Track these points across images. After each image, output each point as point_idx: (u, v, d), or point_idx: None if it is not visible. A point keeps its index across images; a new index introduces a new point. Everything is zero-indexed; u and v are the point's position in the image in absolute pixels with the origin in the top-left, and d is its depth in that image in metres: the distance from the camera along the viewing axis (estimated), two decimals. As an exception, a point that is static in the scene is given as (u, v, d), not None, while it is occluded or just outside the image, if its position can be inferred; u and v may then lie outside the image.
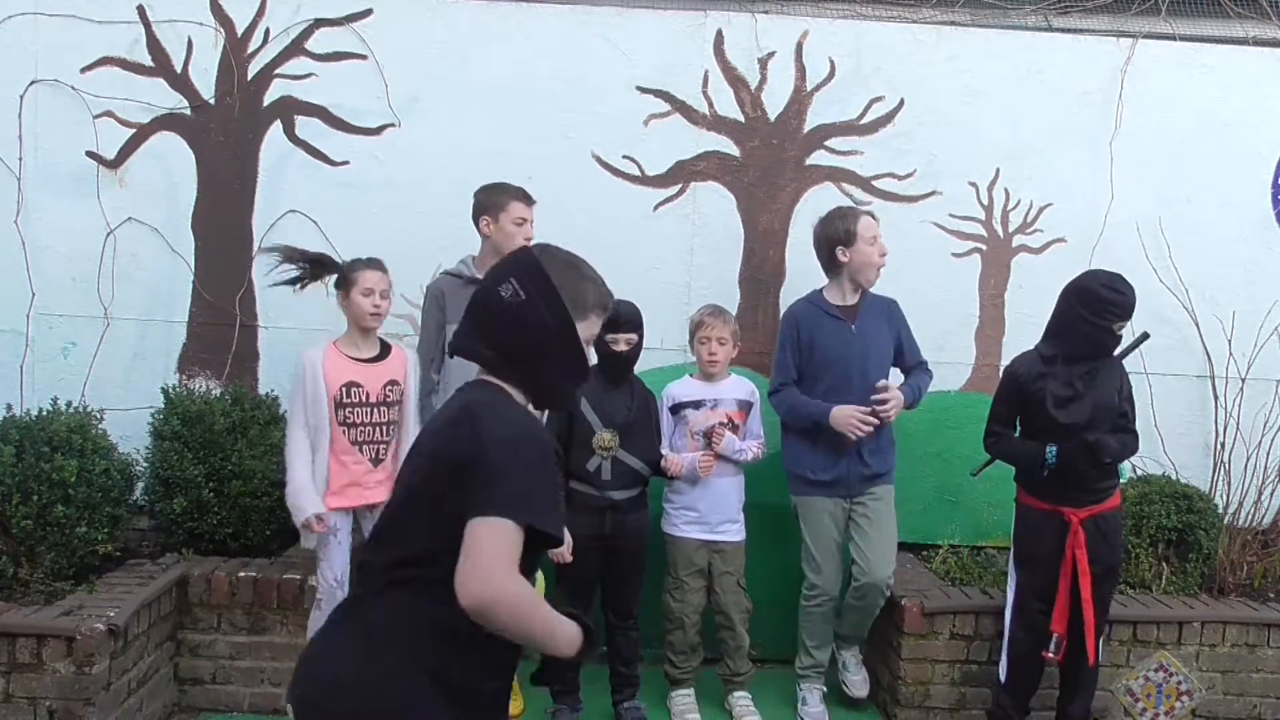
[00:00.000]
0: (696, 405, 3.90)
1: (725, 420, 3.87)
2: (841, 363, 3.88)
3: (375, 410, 3.60)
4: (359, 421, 3.58)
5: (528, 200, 3.80)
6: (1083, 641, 3.55)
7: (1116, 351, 3.64)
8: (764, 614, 4.12)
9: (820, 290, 4.02)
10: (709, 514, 3.87)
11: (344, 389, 3.55)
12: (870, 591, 3.88)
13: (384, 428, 3.62)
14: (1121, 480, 4.44)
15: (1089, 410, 3.54)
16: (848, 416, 3.77)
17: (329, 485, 3.54)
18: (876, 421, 3.79)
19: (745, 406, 3.94)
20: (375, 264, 3.63)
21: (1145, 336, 3.82)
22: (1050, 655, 3.58)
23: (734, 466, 3.91)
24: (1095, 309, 3.49)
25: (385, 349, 3.69)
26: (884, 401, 3.80)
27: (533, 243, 3.71)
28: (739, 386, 3.98)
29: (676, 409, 3.92)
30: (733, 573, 3.91)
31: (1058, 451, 3.52)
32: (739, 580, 3.93)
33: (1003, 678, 3.72)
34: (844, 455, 3.85)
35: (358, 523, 3.66)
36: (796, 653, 4.04)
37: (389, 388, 3.63)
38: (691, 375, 4.01)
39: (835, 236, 3.91)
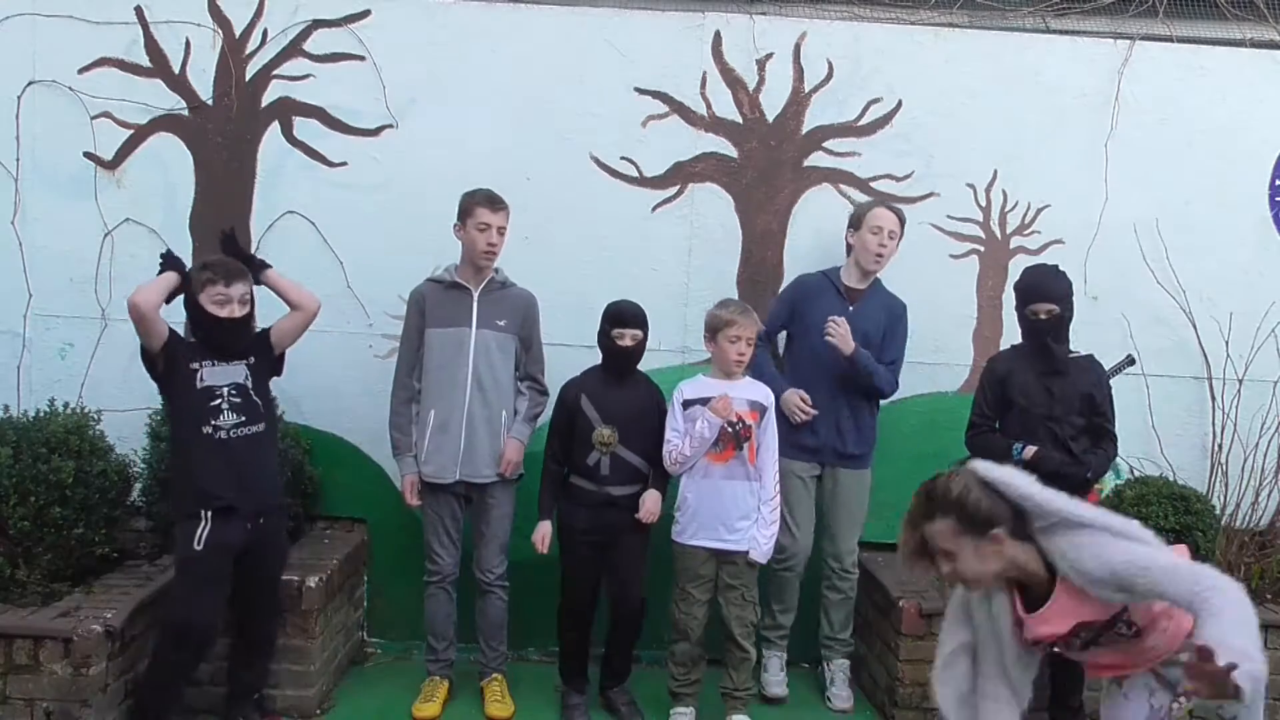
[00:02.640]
0: (706, 403, 3.80)
1: (736, 419, 3.75)
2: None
3: None
4: None
5: (493, 205, 3.80)
6: None
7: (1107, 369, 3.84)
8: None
9: (839, 267, 4.18)
10: (714, 521, 3.76)
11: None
12: (834, 575, 4.12)
13: None
14: (1120, 481, 4.47)
15: (1060, 401, 3.67)
16: (790, 402, 4.02)
17: None
18: (813, 413, 3.99)
19: (758, 408, 3.81)
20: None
21: (1130, 361, 4.10)
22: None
23: (747, 471, 3.79)
24: (1017, 296, 3.77)
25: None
26: (836, 328, 3.95)
27: (497, 248, 3.79)
28: (753, 388, 3.85)
29: (688, 405, 3.83)
30: (738, 586, 3.80)
31: (1024, 449, 3.67)
32: (744, 594, 3.81)
33: None
34: (824, 426, 4.05)
35: None
36: (762, 616, 4.06)
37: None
38: (705, 374, 3.90)
39: (851, 219, 4.15)
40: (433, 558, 3.91)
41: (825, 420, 4.04)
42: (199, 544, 3.34)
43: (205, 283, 3.41)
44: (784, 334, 4.27)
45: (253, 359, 3.55)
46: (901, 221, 4.10)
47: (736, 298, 4.40)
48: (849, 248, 4.14)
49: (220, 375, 3.46)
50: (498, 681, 3.99)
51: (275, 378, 3.69)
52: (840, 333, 3.92)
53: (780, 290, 4.33)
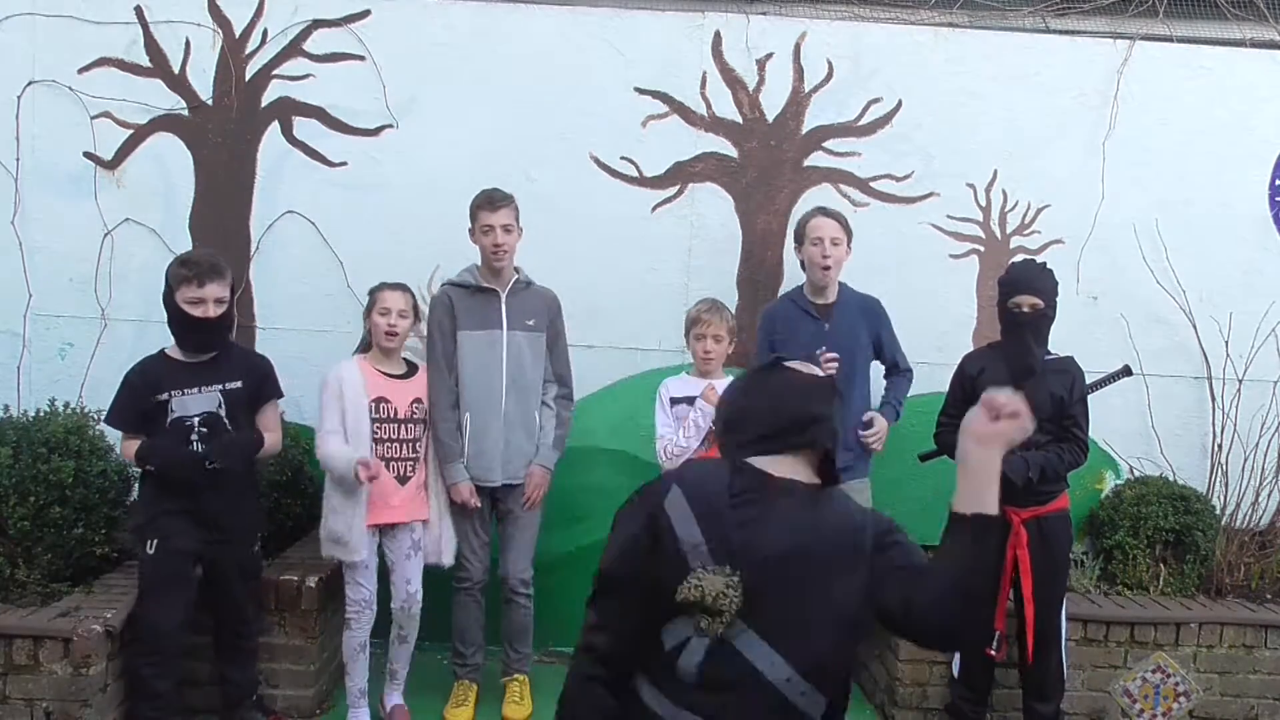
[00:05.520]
0: (691, 401, 3.85)
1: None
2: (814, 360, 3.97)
3: (402, 427, 3.64)
4: (386, 438, 3.64)
5: (491, 205, 3.73)
6: (1041, 641, 3.61)
7: (1090, 382, 3.73)
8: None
9: (801, 287, 4.11)
10: None
11: (374, 403, 3.62)
12: None
13: (409, 445, 3.66)
14: (1119, 481, 4.47)
15: (1028, 402, 3.56)
16: None
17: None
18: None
19: None
20: (396, 286, 3.72)
21: (1126, 371, 3.97)
22: (991, 652, 3.65)
23: None
24: (1000, 290, 3.69)
25: (412, 368, 3.76)
26: (871, 434, 3.95)
27: (504, 246, 3.69)
28: None
29: (674, 402, 3.87)
30: None
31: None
32: None
33: (955, 673, 3.80)
34: None
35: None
36: None
37: (415, 405, 3.68)
38: (688, 372, 3.98)
39: (795, 235, 4.09)
40: (462, 564, 3.82)
41: None
42: (151, 549, 3.32)
43: (181, 281, 3.31)
44: None
45: (239, 383, 3.43)
46: (843, 224, 3.99)
47: (736, 298, 4.42)
48: (802, 264, 4.07)
49: (191, 404, 3.35)
50: (519, 681, 3.97)
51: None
52: (879, 435, 3.96)
53: (758, 327, 4.21)
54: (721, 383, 3.86)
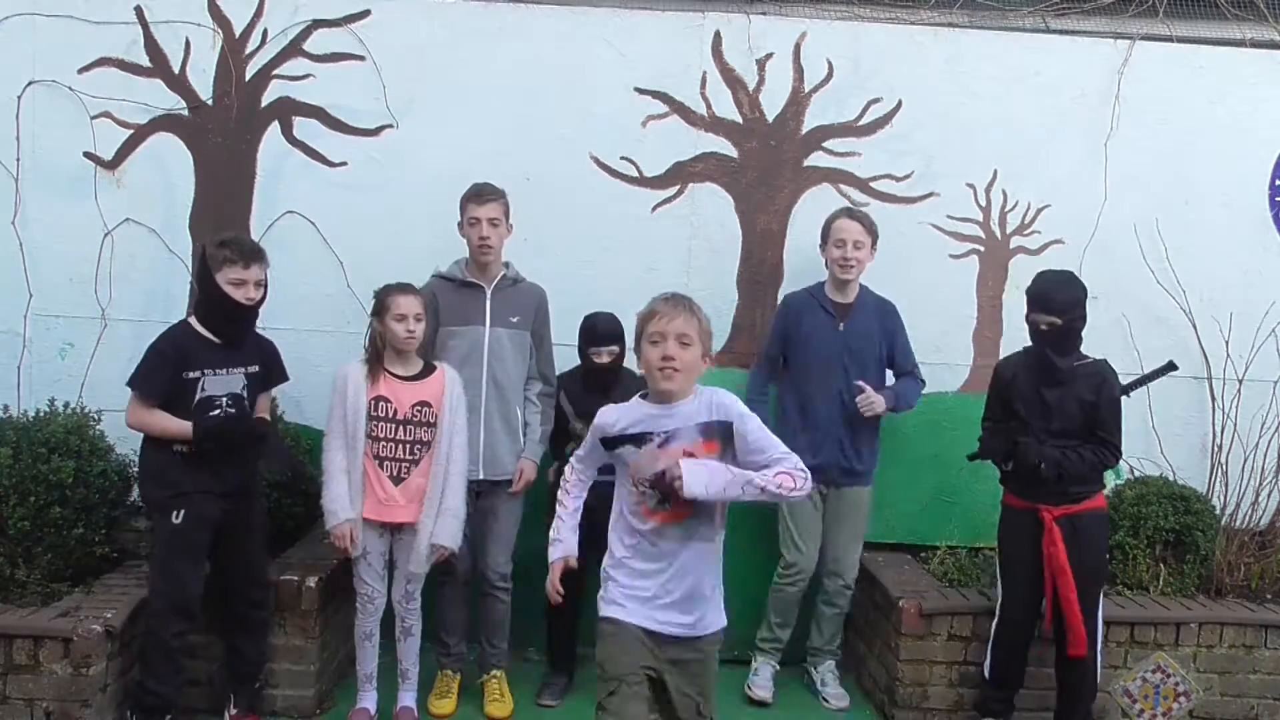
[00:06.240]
0: (638, 440, 2.60)
1: (665, 478, 2.51)
2: (825, 356, 4.04)
3: (401, 428, 3.62)
4: (383, 436, 3.62)
5: (479, 199, 3.81)
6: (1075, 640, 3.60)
7: (1128, 381, 3.79)
8: (739, 611, 4.14)
9: (823, 283, 4.14)
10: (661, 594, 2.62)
11: (373, 402, 3.61)
12: (834, 591, 4.14)
13: (408, 446, 3.64)
14: (1119, 481, 4.47)
15: (1054, 409, 3.61)
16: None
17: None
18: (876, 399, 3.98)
19: (715, 434, 2.59)
20: (406, 289, 3.65)
21: (1172, 366, 4.01)
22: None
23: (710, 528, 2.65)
24: (1026, 301, 3.69)
25: (428, 369, 3.72)
26: (863, 399, 3.97)
27: (489, 241, 3.76)
28: (700, 408, 2.60)
29: (612, 445, 2.65)
30: (691, 696, 2.67)
31: (1017, 448, 3.62)
32: (700, 706, 2.69)
33: (987, 673, 3.80)
34: (827, 444, 4.01)
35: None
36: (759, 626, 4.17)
37: (418, 408, 3.65)
38: (643, 396, 2.68)
39: (821, 233, 4.14)
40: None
41: (827, 439, 4.02)
42: (178, 518, 3.34)
43: (223, 262, 3.35)
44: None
45: (257, 367, 3.54)
46: (867, 227, 4.04)
47: (736, 298, 4.42)
48: (825, 262, 4.12)
49: (221, 385, 3.42)
50: (497, 679, 3.98)
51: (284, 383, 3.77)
52: (871, 402, 3.96)
53: (773, 315, 4.28)
54: (684, 407, 2.59)
